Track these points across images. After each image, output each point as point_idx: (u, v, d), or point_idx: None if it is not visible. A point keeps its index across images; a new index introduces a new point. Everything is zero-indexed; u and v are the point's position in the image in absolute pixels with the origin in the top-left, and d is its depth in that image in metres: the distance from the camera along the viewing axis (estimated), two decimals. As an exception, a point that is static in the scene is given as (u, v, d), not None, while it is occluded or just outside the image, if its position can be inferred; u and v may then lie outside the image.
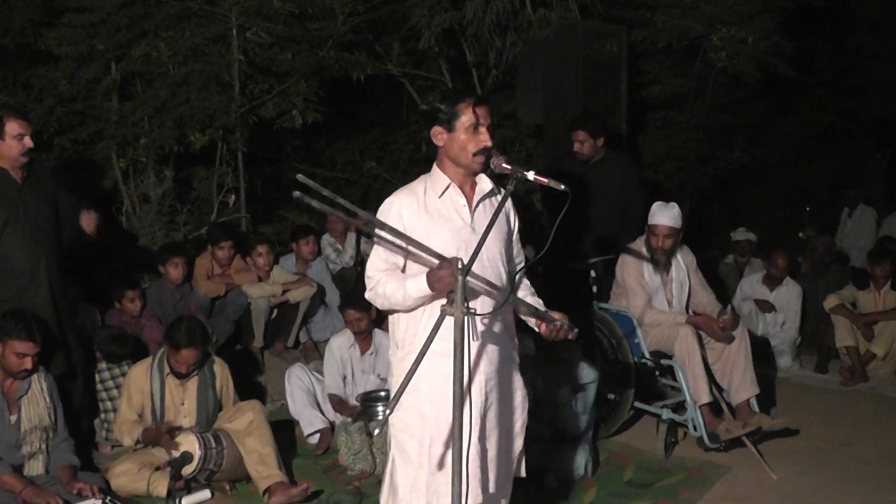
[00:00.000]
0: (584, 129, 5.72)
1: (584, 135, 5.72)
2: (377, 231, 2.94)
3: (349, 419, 4.99)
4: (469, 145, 2.92)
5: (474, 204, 3.00)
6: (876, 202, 9.40)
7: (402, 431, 3.01)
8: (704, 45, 7.86)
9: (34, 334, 4.05)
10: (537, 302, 3.16)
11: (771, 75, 7.98)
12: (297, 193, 2.27)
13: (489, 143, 2.92)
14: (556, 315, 2.96)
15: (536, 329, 3.08)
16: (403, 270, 2.99)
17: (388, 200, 3.01)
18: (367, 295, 3.02)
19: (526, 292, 3.20)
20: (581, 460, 4.60)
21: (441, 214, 2.96)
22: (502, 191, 3.03)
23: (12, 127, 4.25)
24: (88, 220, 5.12)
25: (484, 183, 3.02)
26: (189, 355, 4.54)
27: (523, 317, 3.12)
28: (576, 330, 2.93)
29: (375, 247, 3.03)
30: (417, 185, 3.04)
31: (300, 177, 2.27)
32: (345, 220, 2.43)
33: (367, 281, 3.02)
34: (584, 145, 5.74)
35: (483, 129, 2.91)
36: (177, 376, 4.61)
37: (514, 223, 3.17)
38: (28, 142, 4.29)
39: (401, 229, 2.91)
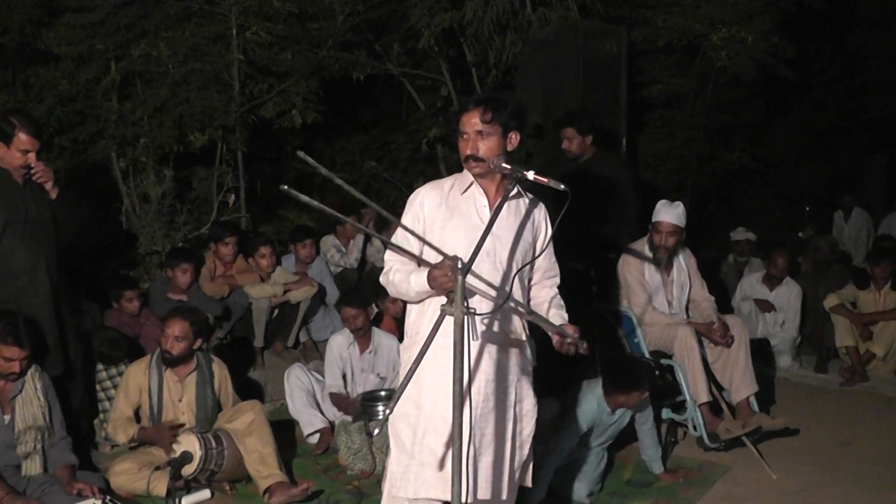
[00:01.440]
0: (572, 126, 5.66)
1: (571, 132, 5.65)
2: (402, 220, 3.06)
3: (349, 419, 5.00)
4: (462, 152, 3.05)
5: (496, 206, 3.02)
6: (872, 206, 9.41)
7: (399, 419, 3.05)
8: (704, 45, 7.86)
9: (21, 339, 4.03)
10: (561, 315, 3.16)
11: (771, 75, 7.99)
12: (283, 187, 2.31)
13: (467, 152, 3.01)
14: (569, 329, 2.97)
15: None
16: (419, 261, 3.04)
17: (416, 191, 3.15)
18: (381, 280, 3.12)
19: (550, 304, 3.20)
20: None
21: (460, 211, 3.04)
22: (525, 194, 3.11)
23: (21, 140, 4.26)
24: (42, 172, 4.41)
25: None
26: (178, 326, 4.56)
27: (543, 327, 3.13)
28: (585, 345, 2.95)
29: (395, 234, 3.12)
30: (447, 181, 3.15)
31: (301, 153, 2.31)
32: (349, 222, 2.45)
33: (385, 264, 3.12)
34: (571, 143, 5.66)
35: (467, 138, 3.01)
36: (170, 363, 4.60)
37: (545, 234, 3.17)
38: (32, 158, 4.29)
39: (421, 219, 3.05)
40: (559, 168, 5.65)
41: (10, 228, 4.29)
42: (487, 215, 3.02)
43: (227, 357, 5.01)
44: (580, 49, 6.89)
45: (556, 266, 3.26)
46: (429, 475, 2.96)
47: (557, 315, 3.15)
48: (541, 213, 3.18)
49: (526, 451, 3.18)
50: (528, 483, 3.25)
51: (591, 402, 4.39)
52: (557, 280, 3.26)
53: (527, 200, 3.13)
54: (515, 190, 3.04)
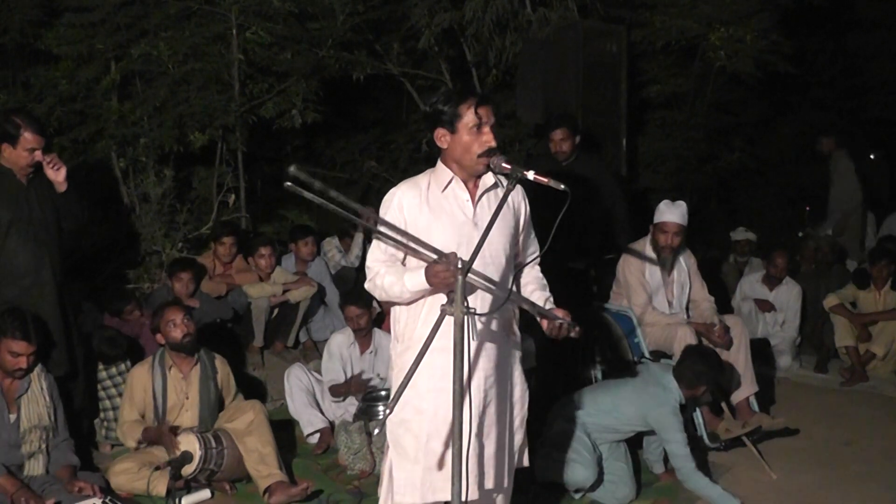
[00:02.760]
0: (566, 126, 5.65)
1: (565, 132, 5.61)
2: (378, 226, 2.92)
3: (349, 419, 5.00)
4: (473, 146, 2.90)
5: (477, 199, 2.99)
6: (874, 205, 9.38)
7: (399, 426, 3.01)
8: (703, 45, 7.86)
9: (30, 334, 4.05)
10: (545, 297, 3.14)
11: (771, 75, 7.98)
12: (288, 183, 2.28)
13: (493, 144, 2.89)
14: (559, 312, 2.94)
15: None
16: (404, 262, 2.99)
17: (390, 192, 3.01)
18: (366, 286, 3.02)
19: (535, 285, 3.17)
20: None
21: (443, 209, 2.96)
22: (500, 181, 3.02)
23: (27, 139, 4.28)
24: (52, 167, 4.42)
25: (487, 178, 3.00)
26: (175, 311, 4.59)
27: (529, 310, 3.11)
28: (577, 328, 2.92)
29: (375, 237, 3.02)
30: (422, 178, 3.03)
31: (293, 168, 2.28)
32: (346, 217, 2.38)
33: (366, 271, 3.02)
34: (564, 144, 5.63)
35: (487, 130, 2.89)
36: (181, 349, 4.61)
37: (524, 216, 3.14)
38: (38, 156, 4.31)
39: (401, 221, 2.91)
40: (542, 169, 5.62)
41: (15, 228, 4.30)
42: (471, 209, 2.97)
43: (225, 356, 5.01)
44: (580, 49, 6.89)
45: (536, 242, 3.20)
46: (437, 478, 2.94)
47: (542, 297, 3.13)
48: (518, 194, 3.11)
49: (521, 435, 3.18)
50: (525, 463, 3.25)
51: (673, 393, 4.39)
52: (538, 258, 3.19)
53: (503, 187, 3.03)
54: (493, 180, 2.98)
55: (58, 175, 4.38)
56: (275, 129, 7.23)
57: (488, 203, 2.99)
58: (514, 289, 3.05)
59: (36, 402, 4.15)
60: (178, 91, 6.62)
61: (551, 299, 3.14)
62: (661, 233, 5.19)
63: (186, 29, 6.63)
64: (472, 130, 2.89)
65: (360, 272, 6.89)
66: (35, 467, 4.13)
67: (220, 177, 7.06)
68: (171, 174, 6.74)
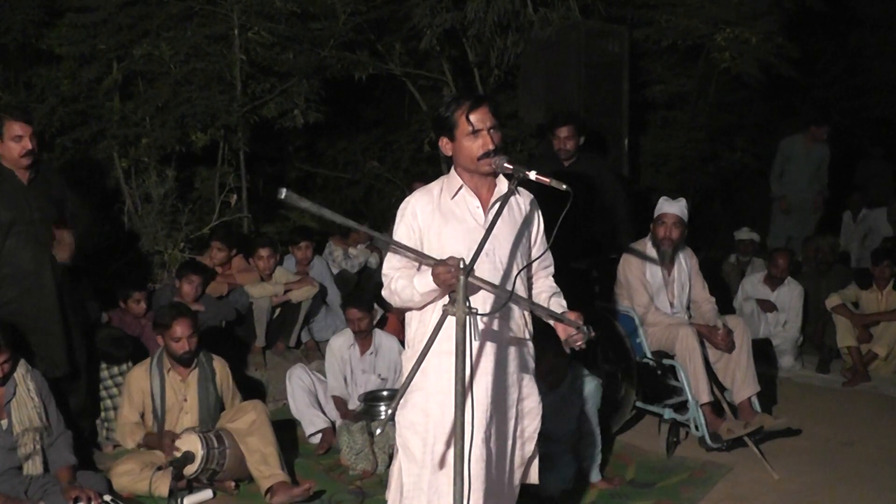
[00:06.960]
0: (573, 124, 5.66)
1: (571, 130, 5.63)
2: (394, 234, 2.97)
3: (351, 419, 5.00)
4: (472, 151, 2.93)
5: (489, 205, 3.00)
6: (879, 204, 9.36)
7: (407, 429, 3.02)
8: (708, 45, 7.85)
9: None
10: (559, 304, 3.13)
11: (774, 76, 7.98)
12: (282, 195, 2.29)
13: (490, 146, 2.90)
14: (571, 315, 2.94)
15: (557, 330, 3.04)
16: (419, 268, 3.00)
17: (405, 200, 3.06)
18: (383, 293, 3.05)
19: (548, 293, 3.18)
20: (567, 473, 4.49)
21: (454, 215, 2.98)
22: (519, 191, 3.05)
23: (11, 128, 4.24)
24: (62, 243, 4.48)
25: (502, 185, 3.02)
26: (187, 324, 4.54)
27: (545, 318, 3.10)
28: (592, 333, 2.91)
29: (391, 247, 3.05)
30: (435, 185, 3.07)
31: (284, 191, 2.29)
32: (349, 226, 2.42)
33: (383, 279, 3.05)
34: (568, 142, 5.63)
35: (483, 133, 2.91)
36: (180, 361, 4.59)
37: (538, 228, 3.15)
38: (27, 143, 4.25)
39: (415, 228, 2.97)
40: (545, 169, 5.62)
41: (16, 229, 4.29)
42: (482, 216, 2.98)
43: (226, 356, 5.01)
44: (582, 49, 6.90)
45: (550, 255, 3.22)
46: (442, 482, 2.93)
47: (557, 304, 3.13)
48: (533, 205, 3.14)
49: (529, 448, 3.18)
50: (535, 479, 3.24)
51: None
52: (552, 269, 3.23)
53: (518, 196, 3.08)
54: (508, 188, 2.99)
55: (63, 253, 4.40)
56: (277, 130, 7.23)
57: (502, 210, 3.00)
58: (526, 299, 3.05)
59: (25, 405, 4.10)
60: (180, 91, 6.62)
61: (565, 305, 3.14)
62: (660, 225, 5.19)
63: (188, 29, 6.63)
64: (469, 136, 2.92)
65: (360, 275, 6.92)
66: (34, 468, 4.10)
67: (222, 177, 7.05)
68: (173, 174, 6.74)
